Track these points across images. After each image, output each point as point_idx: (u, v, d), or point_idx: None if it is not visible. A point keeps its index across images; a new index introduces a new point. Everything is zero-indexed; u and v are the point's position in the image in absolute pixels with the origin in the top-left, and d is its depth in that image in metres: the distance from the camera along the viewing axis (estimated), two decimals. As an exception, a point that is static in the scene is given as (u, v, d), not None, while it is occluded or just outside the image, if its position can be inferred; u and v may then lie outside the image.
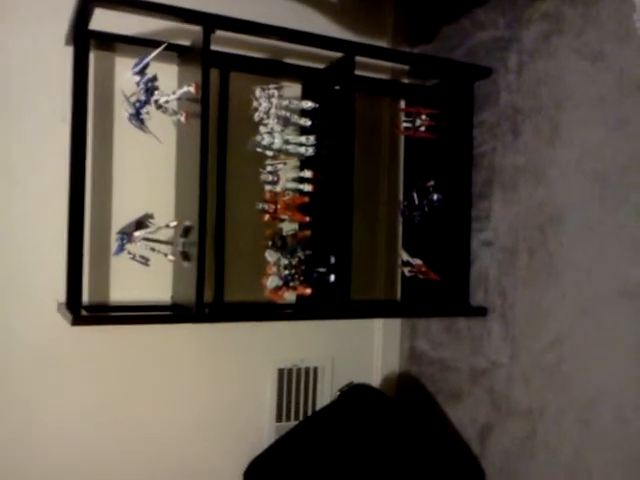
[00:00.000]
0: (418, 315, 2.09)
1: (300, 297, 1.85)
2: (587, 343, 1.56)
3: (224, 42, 1.77)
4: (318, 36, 1.69)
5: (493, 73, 1.88)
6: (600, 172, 1.55)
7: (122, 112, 1.67)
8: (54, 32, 1.67)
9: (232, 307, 1.87)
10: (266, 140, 1.81)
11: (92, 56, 1.70)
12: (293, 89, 1.96)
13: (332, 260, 1.76)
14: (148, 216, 1.73)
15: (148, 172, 1.78)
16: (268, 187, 1.84)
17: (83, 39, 1.60)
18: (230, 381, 1.94)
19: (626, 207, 1.48)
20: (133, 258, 1.68)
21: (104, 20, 1.57)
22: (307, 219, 1.86)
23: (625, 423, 1.45)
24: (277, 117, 1.82)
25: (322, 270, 1.79)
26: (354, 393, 1.92)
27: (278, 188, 1.85)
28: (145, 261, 1.70)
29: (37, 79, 1.68)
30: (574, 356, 1.60)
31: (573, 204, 1.62)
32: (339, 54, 1.74)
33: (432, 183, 1.99)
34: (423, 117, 1.99)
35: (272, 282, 1.77)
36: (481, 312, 1.88)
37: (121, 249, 1.68)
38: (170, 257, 1.70)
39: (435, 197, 1.97)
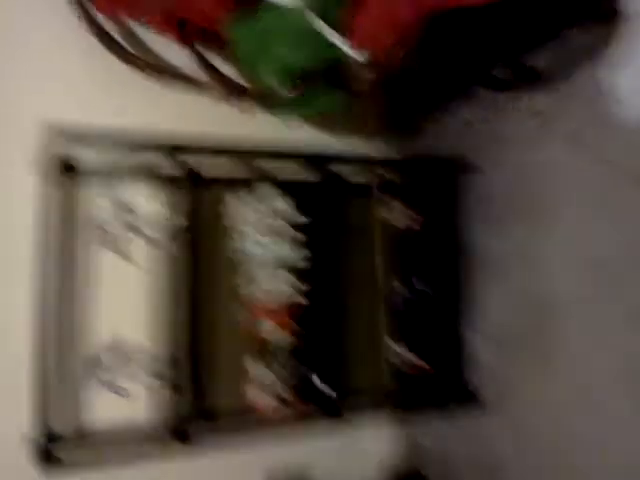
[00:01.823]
0: (414, 412, 2.02)
1: (290, 407, 1.78)
2: (593, 435, 1.53)
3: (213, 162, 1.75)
4: (297, 153, 1.71)
5: (478, 167, 1.91)
6: (594, 260, 1.55)
7: (92, 235, 1.64)
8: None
9: (219, 426, 1.77)
10: (250, 249, 1.78)
11: (61, 183, 1.64)
12: (275, 193, 1.92)
13: (321, 369, 1.71)
14: (120, 342, 1.65)
15: (121, 294, 1.71)
16: (249, 296, 1.79)
17: (50, 167, 1.56)
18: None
19: (621, 294, 1.48)
20: (106, 389, 1.61)
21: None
22: (293, 325, 1.81)
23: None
24: (264, 227, 1.80)
25: (310, 379, 1.75)
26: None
27: (264, 298, 1.80)
28: (119, 391, 1.62)
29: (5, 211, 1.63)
30: (583, 449, 1.55)
31: (567, 290, 1.62)
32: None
33: (419, 274, 1.98)
34: (408, 212, 1.99)
35: (261, 399, 1.71)
36: (479, 404, 1.85)
37: (91, 378, 1.60)
38: (146, 384, 1.63)
39: (424, 288, 1.97)
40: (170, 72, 1.68)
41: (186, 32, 1.53)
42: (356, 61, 1.38)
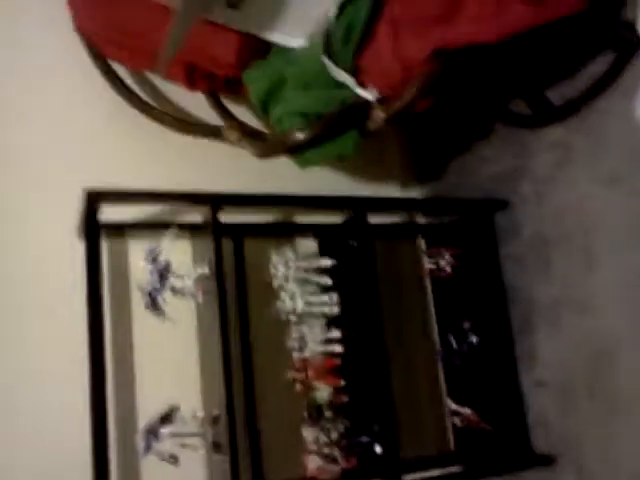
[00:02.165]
0: (478, 477, 1.89)
1: (345, 471, 1.69)
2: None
3: (236, 210, 1.73)
4: (325, 198, 1.67)
5: (510, 204, 1.83)
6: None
7: (139, 300, 1.62)
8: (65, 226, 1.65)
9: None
10: (288, 305, 1.74)
11: (105, 246, 1.68)
12: (309, 245, 1.90)
13: (376, 428, 1.62)
14: (173, 409, 1.62)
15: (171, 360, 1.69)
16: (296, 354, 1.75)
17: (93, 231, 1.58)
18: None
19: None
20: (161, 458, 1.56)
21: (114, 207, 1.57)
22: (341, 382, 1.73)
23: None
24: (296, 280, 1.76)
25: (366, 440, 1.64)
26: None
27: (307, 353, 1.75)
28: (174, 460, 1.57)
29: (49, 274, 1.65)
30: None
31: (624, 333, 1.52)
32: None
33: (468, 325, 1.88)
34: (447, 257, 1.92)
35: (313, 461, 1.63)
36: (547, 461, 1.70)
37: (148, 448, 1.56)
38: (200, 451, 1.58)
39: (474, 339, 1.86)
40: (187, 120, 1.70)
41: (195, 77, 1.54)
42: (367, 100, 1.33)
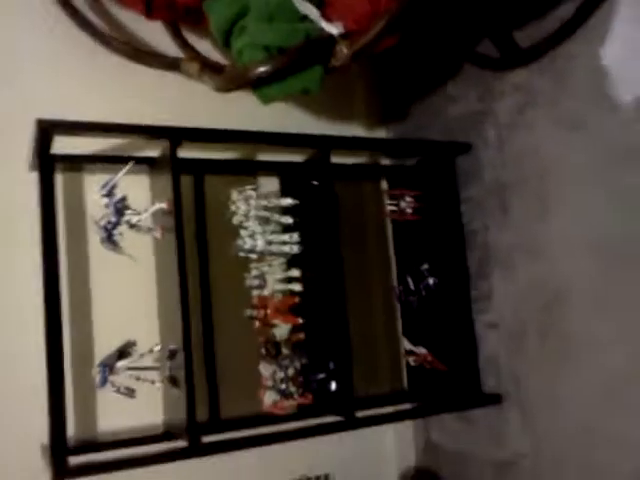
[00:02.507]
0: (429, 414, 1.96)
1: (301, 406, 1.73)
2: (616, 429, 1.44)
3: (196, 146, 1.70)
4: (289, 135, 1.64)
5: (473, 148, 1.83)
6: (598, 242, 1.49)
7: (95, 235, 1.59)
8: (15, 160, 1.59)
9: (229, 425, 1.74)
10: (248, 243, 1.74)
11: (59, 179, 1.63)
12: (271, 183, 1.89)
13: (331, 366, 1.65)
14: (130, 343, 1.63)
15: (128, 295, 1.68)
16: (255, 292, 1.76)
17: (46, 164, 1.52)
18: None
19: (633, 276, 1.40)
20: (117, 391, 1.58)
21: (70, 141, 1.51)
22: (300, 321, 1.75)
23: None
24: (257, 218, 1.75)
25: (322, 376, 1.68)
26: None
27: (266, 292, 1.77)
28: (130, 392, 1.58)
29: (3, 208, 1.60)
30: (604, 444, 1.47)
31: (576, 278, 1.54)
32: (314, 148, 1.68)
33: (426, 266, 1.90)
34: (408, 199, 1.92)
35: (269, 397, 1.66)
36: (495, 400, 1.76)
37: (104, 382, 1.57)
38: (157, 384, 1.59)
39: (431, 281, 1.89)
40: (146, 51, 1.63)
41: (154, 6, 1.47)
42: (332, 35, 1.29)
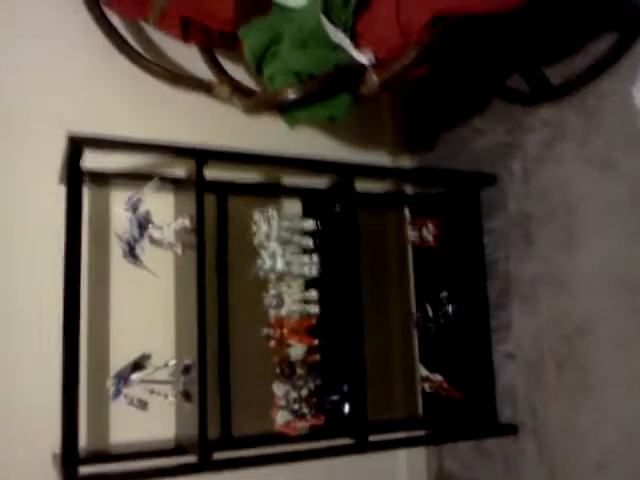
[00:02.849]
0: (443, 441, 1.94)
1: (313, 427, 1.72)
2: (631, 467, 1.43)
3: (221, 167, 1.72)
4: (313, 161, 1.65)
5: (499, 180, 1.82)
6: (624, 279, 1.47)
7: (117, 249, 1.61)
8: (48, 172, 1.62)
9: (240, 443, 1.74)
10: (268, 264, 1.74)
11: (86, 193, 1.65)
12: (294, 206, 1.90)
13: (345, 388, 1.64)
14: (145, 357, 1.64)
15: (147, 309, 1.70)
16: (272, 312, 1.75)
17: (75, 178, 1.55)
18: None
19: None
20: (130, 403, 1.59)
21: (99, 156, 1.55)
22: (315, 342, 1.75)
23: None
24: (278, 239, 1.75)
25: (335, 398, 1.67)
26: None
27: (283, 312, 1.76)
28: (143, 406, 1.59)
29: (32, 218, 1.64)
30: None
31: (600, 313, 1.53)
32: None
33: (445, 294, 1.89)
34: (430, 227, 1.92)
35: (282, 417, 1.66)
36: (511, 430, 1.74)
37: (118, 393, 1.58)
38: (170, 398, 1.60)
39: (450, 309, 1.88)
40: (181, 74, 1.66)
41: (190, 30, 1.49)
42: (362, 64, 1.31)
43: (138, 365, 1.63)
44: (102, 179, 1.67)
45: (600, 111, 1.52)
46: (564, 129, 1.62)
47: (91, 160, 1.55)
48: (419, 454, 2.07)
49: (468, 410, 1.83)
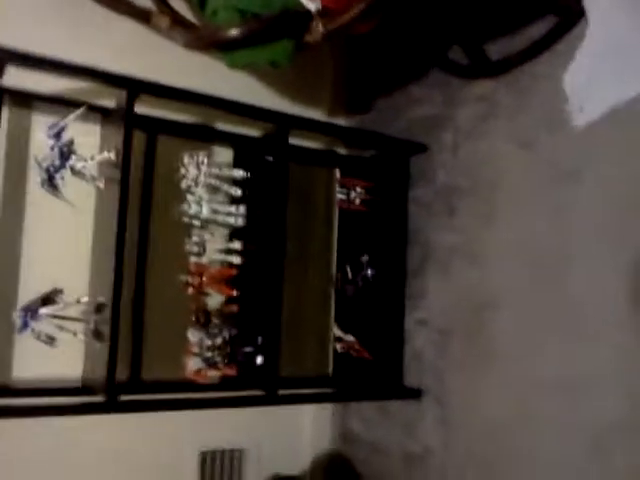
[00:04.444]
0: (350, 399, 1.99)
1: (225, 378, 1.72)
2: (524, 436, 1.50)
3: (153, 104, 1.66)
4: (250, 107, 1.63)
5: (429, 150, 1.86)
6: (535, 256, 1.54)
7: (36, 176, 1.54)
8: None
9: (149, 387, 1.72)
10: (193, 209, 1.72)
11: (5, 113, 1.56)
12: (225, 154, 1.87)
13: (260, 340, 1.65)
14: (57, 291, 1.58)
15: (62, 242, 1.63)
16: (194, 258, 1.74)
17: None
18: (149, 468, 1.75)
19: (560, 295, 1.46)
20: (37, 338, 1.52)
21: (24, 76, 1.46)
22: (234, 293, 1.75)
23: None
24: (206, 185, 1.73)
25: (249, 350, 1.68)
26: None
27: (204, 259, 1.74)
28: (50, 341, 1.53)
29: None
30: (509, 449, 1.53)
31: (508, 288, 1.60)
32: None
33: (366, 258, 1.93)
34: (358, 190, 1.94)
35: (194, 364, 1.65)
36: (415, 394, 1.80)
37: (25, 326, 1.51)
38: (80, 336, 1.55)
39: (369, 272, 1.91)
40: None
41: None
42: (309, 11, 1.29)
43: (48, 299, 1.57)
44: (25, 100, 1.57)
45: (531, 92, 1.58)
46: (495, 106, 1.67)
47: (14, 78, 1.45)
48: (325, 412, 2.11)
49: (376, 372, 1.88)
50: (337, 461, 2.07)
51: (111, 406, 1.42)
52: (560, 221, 1.48)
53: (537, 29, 1.56)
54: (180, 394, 1.66)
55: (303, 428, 2.08)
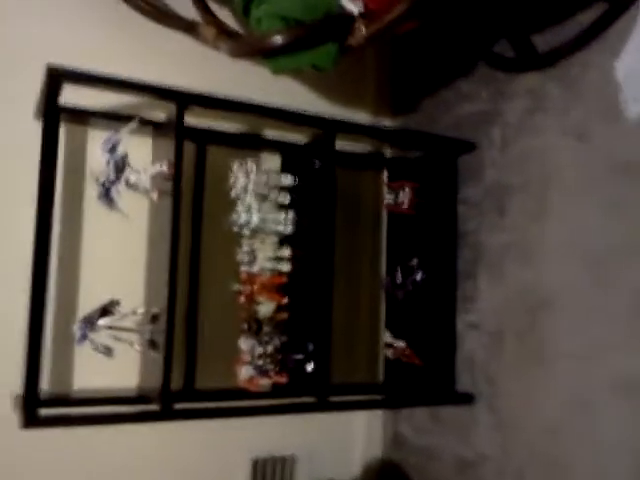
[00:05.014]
0: (401, 406, 1.97)
1: (276, 385, 1.73)
2: (581, 437, 1.46)
3: (201, 114, 1.69)
4: (296, 114, 1.64)
5: (477, 148, 1.83)
6: (591, 254, 1.49)
7: (92, 190, 1.59)
8: (25, 106, 1.58)
9: (202, 395, 1.74)
10: (243, 218, 1.73)
11: (63, 130, 1.60)
12: (273, 160, 1.88)
13: (310, 347, 1.65)
14: (114, 302, 1.61)
15: (118, 254, 1.68)
16: (244, 267, 1.75)
17: (53, 113, 1.50)
18: (202, 475, 1.77)
19: (620, 292, 1.41)
20: (95, 349, 1.56)
21: (78, 93, 1.50)
22: (285, 300, 1.75)
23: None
24: (255, 193, 1.74)
25: (299, 357, 1.68)
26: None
27: (255, 268, 1.76)
28: (107, 352, 1.57)
29: (4, 153, 1.59)
30: (568, 450, 1.49)
31: (563, 287, 1.55)
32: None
33: (416, 261, 1.91)
34: (406, 190, 1.92)
35: (246, 372, 1.66)
36: (468, 399, 1.77)
37: (84, 338, 1.55)
38: (136, 346, 1.58)
39: (419, 276, 1.89)
40: (165, 11, 1.62)
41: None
42: (352, 15, 1.30)
43: (106, 311, 1.60)
44: (80, 117, 1.63)
45: (582, 82, 1.53)
46: (545, 99, 1.63)
47: (69, 96, 1.50)
48: (376, 419, 2.09)
49: (428, 377, 1.85)
50: (388, 467, 2.05)
51: (166, 414, 1.45)
52: (617, 216, 1.43)
53: (585, 17, 1.52)
54: (232, 402, 1.67)
55: (354, 434, 2.06)
